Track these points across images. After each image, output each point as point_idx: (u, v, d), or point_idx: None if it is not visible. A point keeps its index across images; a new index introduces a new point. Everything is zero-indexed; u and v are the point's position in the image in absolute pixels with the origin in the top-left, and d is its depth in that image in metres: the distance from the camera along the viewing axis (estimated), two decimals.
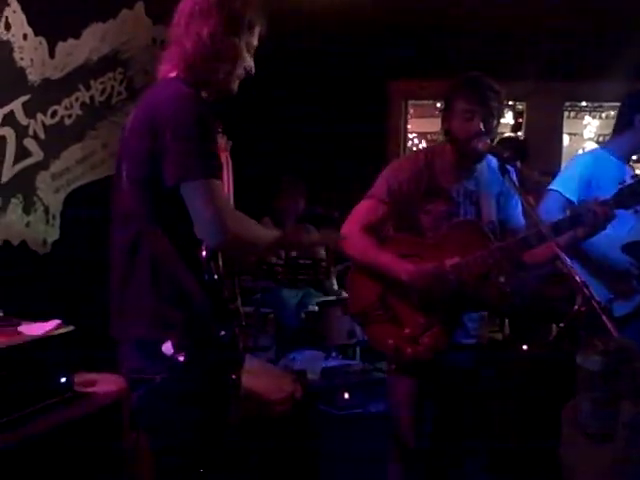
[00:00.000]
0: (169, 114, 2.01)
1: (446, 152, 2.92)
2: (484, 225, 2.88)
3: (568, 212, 3.13)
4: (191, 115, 2.02)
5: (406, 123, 6.51)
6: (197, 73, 2.15)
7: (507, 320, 4.29)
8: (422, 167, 2.93)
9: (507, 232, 2.96)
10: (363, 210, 2.96)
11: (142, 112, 2.12)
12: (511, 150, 4.59)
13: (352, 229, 2.92)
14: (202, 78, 2.16)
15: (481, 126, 2.77)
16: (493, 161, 2.89)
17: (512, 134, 6.53)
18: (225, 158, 2.29)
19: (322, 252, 4.73)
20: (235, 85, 2.25)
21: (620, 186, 2.78)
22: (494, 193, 2.97)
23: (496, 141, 5.18)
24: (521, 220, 3.01)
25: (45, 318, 2.89)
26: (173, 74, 2.16)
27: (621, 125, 3.50)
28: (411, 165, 2.96)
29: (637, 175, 2.87)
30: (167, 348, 2.06)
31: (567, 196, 3.37)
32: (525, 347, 4.29)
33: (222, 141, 2.32)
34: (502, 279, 2.89)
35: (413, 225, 2.92)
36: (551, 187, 3.46)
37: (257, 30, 2.24)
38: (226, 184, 2.23)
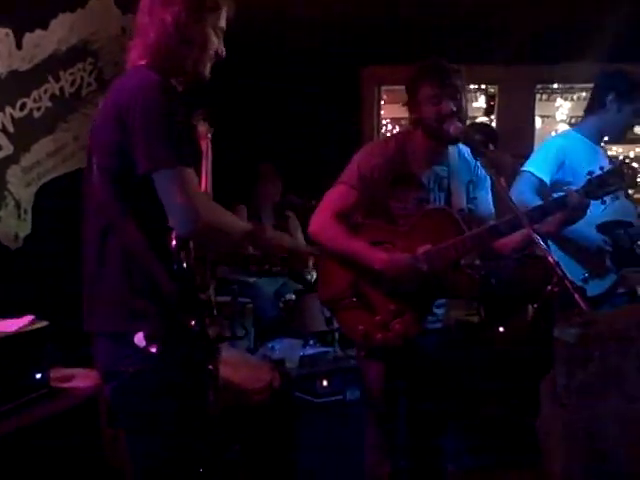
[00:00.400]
0: (136, 103, 1.99)
1: (417, 138, 2.92)
2: (455, 212, 2.89)
3: (542, 202, 3.13)
4: (159, 103, 2.00)
5: (379, 109, 6.50)
6: (165, 61, 2.13)
7: (479, 302, 4.32)
8: (394, 152, 2.92)
9: (476, 220, 2.96)
10: (334, 197, 2.94)
11: (110, 102, 2.10)
12: (482, 135, 4.64)
13: (323, 216, 2.91)
14: (171, 66, 2.14)
15: (451, 106, 2.77)
16: (464, 149, 2.90)
17: (485, 119, 6.54)
18: (206, 145, 2.27)
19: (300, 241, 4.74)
20: (206, 70, 2.22)
21: (589, 177, 2.79)
22: (464, 181, 2.97)
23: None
24: (490, 208, 3.02)
25: (19, 314, 2.86)
26: (141, 62, 2.14)
27: (593, 105, 3.51)
28: (382, 150, 2.95)
29: (603, 167, 2.86)
30: (139, 339, 2.04)
31: (540, 177, 3.39)
32: (502, 329, 4.32)
33: (203, 128, 2.31)
34: (474, 264, 2.91)
35: (383, 211, 2.91)
36: (523, 168, 3.48)
37: (223, 12, 2.22)
38: (205, 171, 2.22)
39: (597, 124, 3.48)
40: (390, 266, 2.79)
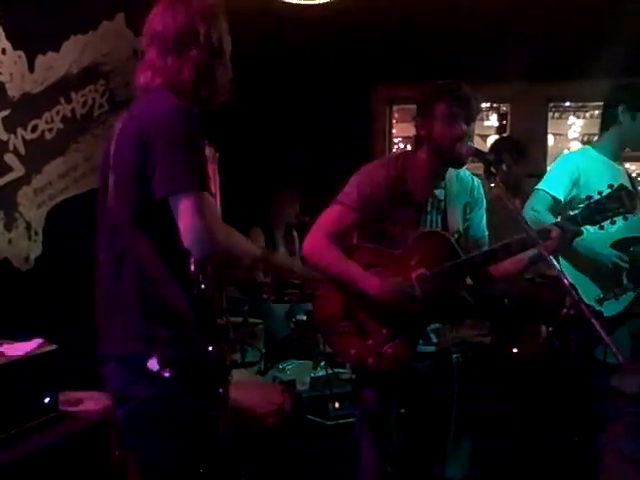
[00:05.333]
0: (159, 126, 2.00)
1: (420, 159, 2.88)
2: (450, 236, 2.86)
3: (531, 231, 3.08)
4: (181, 127, 2.01)
5: (391, 127, 6.50)
6: (190, 89, 2.14)
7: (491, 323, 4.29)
8: (394, 173, 2.88)
9: (469, 241, 2.95)
10: (331, 217, 2.89)
11: (131, 123, 2.10)
12: (508, 151, 4.64)
13: (317, 237, 2.87)
14: (194, 94, 2.15)
15: (464, 129, 2.74)
16: (461, 171, 2.88)
17: (504, 135, 6.49)
18: (212, 170, 2.27)
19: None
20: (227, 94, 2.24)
21: (587, 202, 2.74)
22: (461, 203, 2.95)
23: (493, 142, 5.20)
24: (483, 230, 3.00)
25: (29, 336, 2.85)
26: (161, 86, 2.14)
27: (607, 122, 3.51)
28: (382, 171, 2.90)
29: (601, 192, 2.79)
30: (152, 364, 2.04)
31: (553, 195, 3.38)
32: (515, 350, 4.28)
33: (209, 153, 2.30)
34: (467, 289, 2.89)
35: (379, 232, 2.88)
36: (538, 186, 3.47)
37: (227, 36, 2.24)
38: (213, 196, 2.22)
39: (614, 139, 3.47)
40: (383, 292, 2.77)
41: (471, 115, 2.78)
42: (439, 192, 2.91)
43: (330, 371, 3.88)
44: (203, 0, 2.21)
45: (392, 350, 2.79)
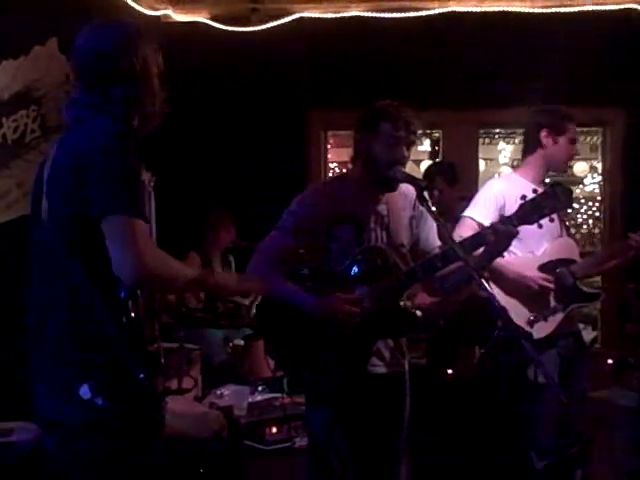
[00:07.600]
0: (95, 151, 1.99)
1: (354, 177, 2.94)
2: (392, 250, 2.88)
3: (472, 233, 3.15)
4: (118, 152, 2.00)
5: (326, 152, 6.54)
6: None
7: (427, 345, 4.34)
8: (331, 194, 2.92)
9: (420, 254, 2.96)
10: (271, 242, 2.93)
11: (66, 149, 2.09)
12: (441, 174, 4.73)
13: (258, 263, 2.91)
14: (126, 123, 2.14)
15: (405, 153, 2.79)
16: (403, 185, 2.89)
17: (437, 160, 6.61)
18: (147, 194, 2.27)
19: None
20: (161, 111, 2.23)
21: (522, 201, 2.76)
22: (406, 216, 2.97)
23: (427, 167, 5.31)
24: (433, 240, 3.01)
25: None
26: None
27: (530, 146, 3.58)
28: (322, 193, 2.96)
29: (537, 189, 2.85)
30: (84, 391, 2.01)
31: (479, 221, 3.41)
32: (450, 371, 4.34)
33: (145, 177, 2.30)
34: (412, 303, 2.91)
35: (322, 251, 2.91)
36: (464, 214, 3.52)
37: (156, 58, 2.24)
38: (148, 222, 2.21)
39: (538, 163, 3.52)
40: (323, 309, 2.79)
41: (413, 140, 2.83)
42: (381, 208, 2.93)
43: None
44: (125, 24, 2.23)
45: (342, 370, 2.81)
